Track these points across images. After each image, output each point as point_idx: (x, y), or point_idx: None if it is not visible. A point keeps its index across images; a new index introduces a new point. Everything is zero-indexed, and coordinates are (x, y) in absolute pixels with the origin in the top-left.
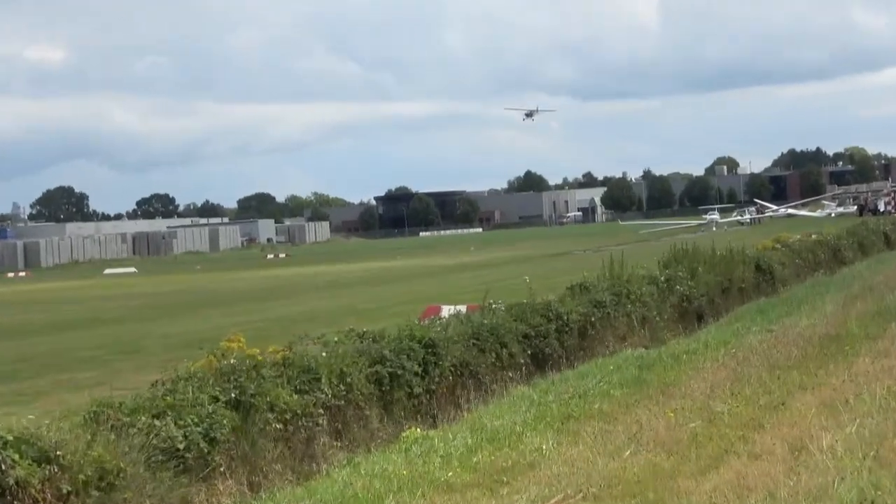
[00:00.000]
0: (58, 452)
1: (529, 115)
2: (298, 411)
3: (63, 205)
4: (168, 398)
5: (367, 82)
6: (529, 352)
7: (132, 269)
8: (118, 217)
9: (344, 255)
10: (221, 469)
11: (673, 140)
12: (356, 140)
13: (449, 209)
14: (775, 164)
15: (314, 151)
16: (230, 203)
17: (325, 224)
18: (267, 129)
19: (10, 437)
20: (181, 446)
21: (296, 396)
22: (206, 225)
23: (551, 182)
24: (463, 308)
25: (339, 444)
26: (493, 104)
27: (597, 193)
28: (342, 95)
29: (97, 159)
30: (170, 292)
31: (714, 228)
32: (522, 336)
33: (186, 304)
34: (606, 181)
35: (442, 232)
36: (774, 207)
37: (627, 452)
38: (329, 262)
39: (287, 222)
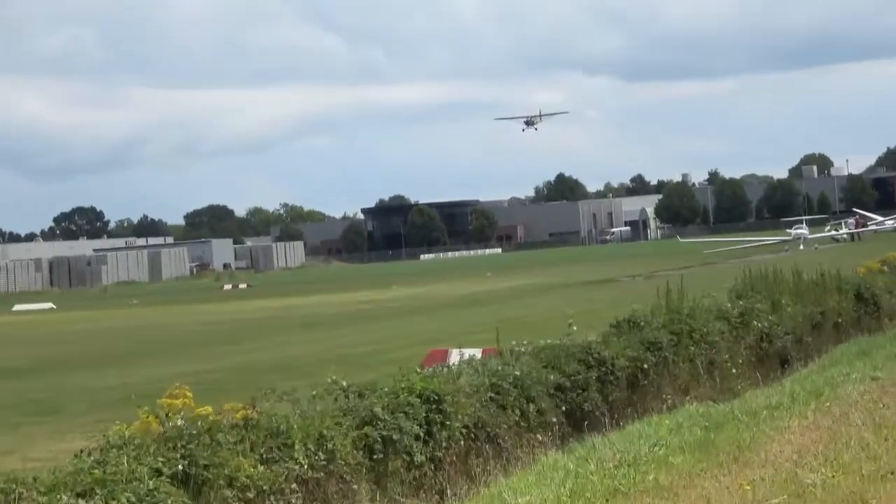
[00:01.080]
0: None
1: (530, 123)
2: (265, 487)
3: None
4: (96, 472)
5: (352, 61)
6: (564, 408)
7: (48, 305)
8: (30, 238)
9: (323, 285)
10: None
11: (748, 133)
12: (338, 136)
13: (458, 224)
14: (879, 163)
15: (283, 151)
16: (175, 219)
17: (299, 245)
18: (221, 123)
19: None
20: None
21: (261, 468)
22: (144, 247)
23: (590, 188)
24: (477, 352)
25: None
26: (515, 87)
27: (649, 203)
28: (319, 78)
29: (1, 163)
30: (97, 333)
31: (801, 247)
32: (555, 388)
33: (118, 349)
34: (661, 187)
35: (449, 254)
36: (879, 219)
37: None
38: (303, 293)
39: (249, 243)
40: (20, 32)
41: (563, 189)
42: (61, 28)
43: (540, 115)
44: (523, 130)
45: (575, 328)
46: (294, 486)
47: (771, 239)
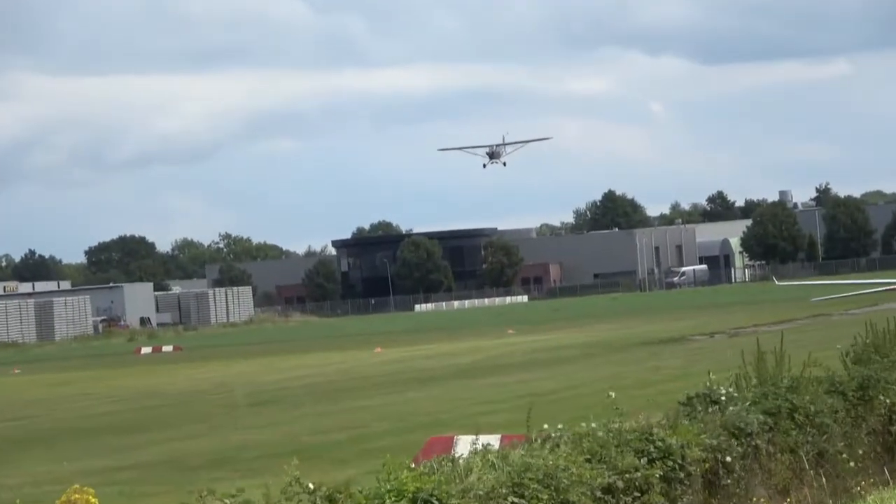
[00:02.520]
0: None
1: (493, 155)
2: None
3: None
4: None
5: (322, 35)
6: None
7: None
8: None
9: (279, 347)
10: None
11: (869, 135)
12: (301, 140)
13: (468, 262)
14: None
15: (224, 162)
16: (73, 256)
17: (246, 291)
18: (138, 122)
19: None
20: None
21: None
22: (29, 295)
23: (651, 212)
24: (494, 440)
25: None
26: (547, 71)
27: (734, 231)
28: (276, 59)
29: None
30: None
31: None
32: (602, 489)
33: None
34: (751, 208)
35: (455, 303)
36: None
37: None
38: (252, 358)
39: (176, 289)
40: None
41: (614, 213)
42: None
43: (504, 146)
44: (485, 167)
45: (617, 408)
46: None
47: None
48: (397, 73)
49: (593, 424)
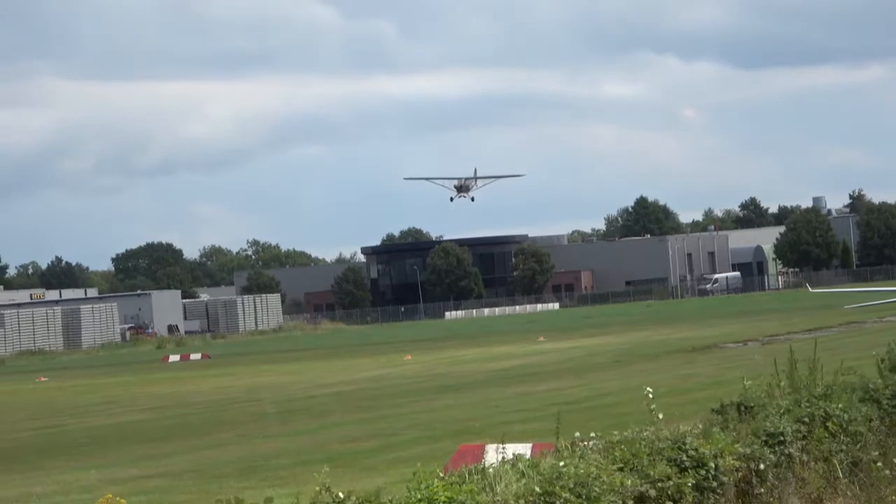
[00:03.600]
0: None
1: (462, 188)
2: None
3: None
4: None
5: (352, 40)
6: None
7: None
8: None
9: (308, 355)
10: None
11: None
12: (330, 146)
13: (498, 269)
14: None
15: (253, 168)
16: (100, 263)
17: (275, 299)
18: (166, 129)
19: None
20: None
21: None
22: (56, 303)
23: (684, 218)
24: (525, 448)
25: None
26: (581, 77)
27: (767, 237)
28: (305, 65)
29: None
30: None
31: None
32: (634, 499)
33: (14, 445)
34: (784, 216)
35: (486, 311)
36: None
37: None
38: (280, 365)
39: (204, 296)
40: None
41: (646, 219)
42: None
43: (475, 179)
44: (452, 200)
45: (660, 415)
46: None
47: None
48: (428, 79)
49: (626, 433)
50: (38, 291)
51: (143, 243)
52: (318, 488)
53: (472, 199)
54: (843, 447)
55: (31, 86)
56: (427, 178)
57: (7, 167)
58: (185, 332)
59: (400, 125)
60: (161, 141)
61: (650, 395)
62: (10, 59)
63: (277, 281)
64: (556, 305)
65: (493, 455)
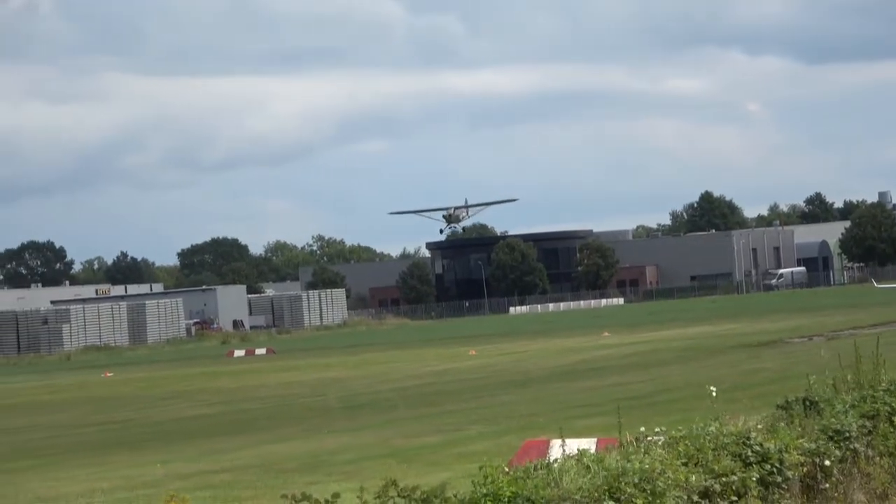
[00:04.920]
0: None
1: (451, 219)
2: None
3: None
4: None
5: (417, 35)
6: None
7: None
8: None
9: (372, 350)
10: None
11: None
12: (394, 142)
13: (563, 264)
14: None
15: (317, 163)
16: (165, 258)
17: (340, 294)
18: (231, 124)
19: None
20: None
21: None
22: (121, 298)
23: (749, 213)
24: (590, 443)
25: None
26: (643, 71)
27: (833, 232)
28: (370, 60)
29: None
30: (52, 408)
31: None
32: (699, 493)
33: (80, 440)
34: (850, 210)
35: (550, 306)
36: None
37: None
38: (345, 360)
39: (269, 292)
40: None
41: (711, 214)
42: None
43: (467, 209)
44: (441, 231)
45: (716, 399)
46: None
47: None
48: (492, 74)
49: (691, 427)
50: (103, 287)
51: (208, 238)
52: (384, 481)
53: (463, 230)
54: None
55: (98, 81)
56: (414, 212)
57: (73, 162)
58: (250, 328)
59: (463, 120)
60: (226, 136)
61: (713, 395)
62: (77, 56)
63: (342, 276)
64: (621, 301)
65: (557, 450)
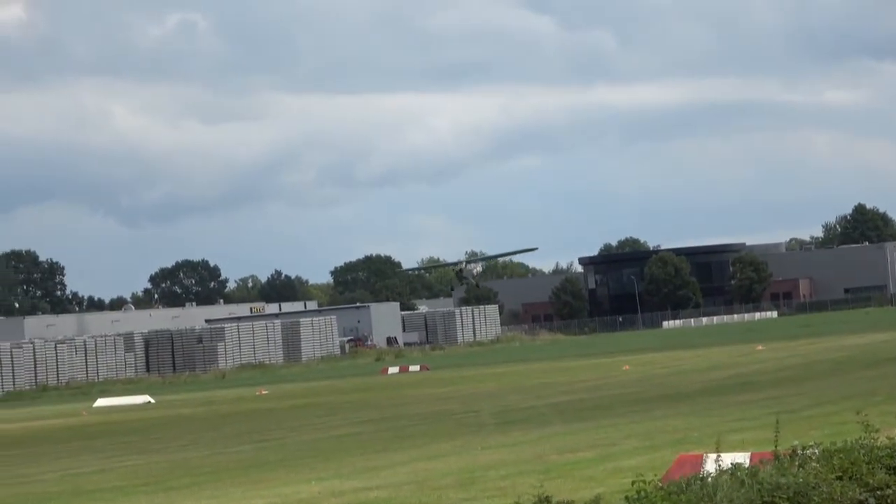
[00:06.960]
0: None
1: (462, 274)
2: None
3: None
4: None
5: (571, 50)
6: None
7: (145, 399)
8: (118, 304)
9: (526, 365)
10: None
11: None
12: (547, 156)
13: (716, 278)
14: None
15: (470, 179)
16: (319, 276)
17: (493, 310)
18: (385, 140)
19: None
20: None
21: None
22: (276, 316)
23: None
24: (743, 457)
25: None
26: (799, 83)
27: None
28: (523, 76)
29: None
30: (211, 421)
31: None
32: None
33: (240, 458)
34: None
35: (704, 319)
36: None
37: None
38: (498, 375)
39: (423, 308)
40: (111, 20)
41: (865, 227)
42: (166, 14)
43: (480, 261)
44: (452, 289)
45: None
46: None
47: None
48: (646, 88)
49: (846, 440)
50: (257, 305)
51: (361, 256)
52: (536, 497)
53: (478, 286)
54: None
55: (253, 100)
56: (423, 269)
57: (229, 181)
58: (404, 344)
59: (616, 134)
60: (379, 153)
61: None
62: (234, 75)
63: (495, 292)
64: (775, 314)
65: (711, 464)
